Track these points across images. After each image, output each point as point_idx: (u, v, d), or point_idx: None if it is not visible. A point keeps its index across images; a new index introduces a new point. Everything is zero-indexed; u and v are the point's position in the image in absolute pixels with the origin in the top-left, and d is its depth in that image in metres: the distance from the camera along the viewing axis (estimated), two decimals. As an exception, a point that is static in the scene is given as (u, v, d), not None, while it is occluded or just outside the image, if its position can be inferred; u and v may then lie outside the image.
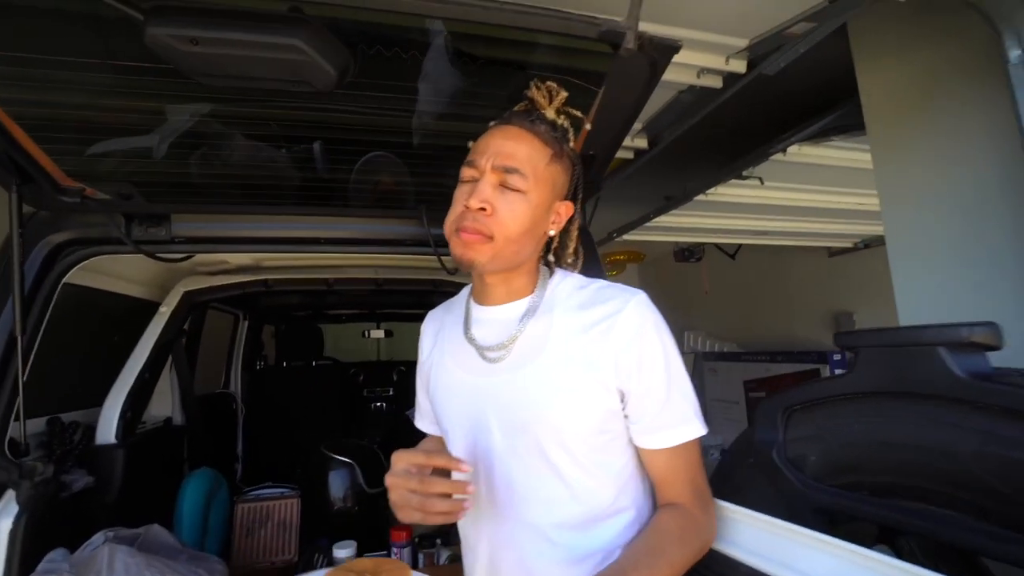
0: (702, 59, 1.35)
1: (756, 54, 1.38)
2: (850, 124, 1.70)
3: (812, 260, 3.97)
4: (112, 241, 1.18)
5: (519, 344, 0.74)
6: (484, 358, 0.77)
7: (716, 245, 3.93)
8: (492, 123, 0.81)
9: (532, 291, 0.79)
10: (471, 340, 0.79)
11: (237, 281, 1.74)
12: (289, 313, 2.78)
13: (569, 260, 0.83)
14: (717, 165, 2.19)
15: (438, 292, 2.04)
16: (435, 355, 0.87)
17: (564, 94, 0.80)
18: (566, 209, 0.79)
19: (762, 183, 2.32)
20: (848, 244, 3.69)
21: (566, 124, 0.78)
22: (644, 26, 0.85)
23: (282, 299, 2.22)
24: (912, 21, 1.14)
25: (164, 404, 1.88)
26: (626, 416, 0.71)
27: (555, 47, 0.99)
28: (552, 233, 0.78)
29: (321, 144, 1.07)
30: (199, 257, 1.52)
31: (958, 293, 1.12)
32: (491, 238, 0.70)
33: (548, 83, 0.80)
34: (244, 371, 2.43)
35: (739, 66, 1.40)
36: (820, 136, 1.85)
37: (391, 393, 3.09)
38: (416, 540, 1.64)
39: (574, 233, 0.82)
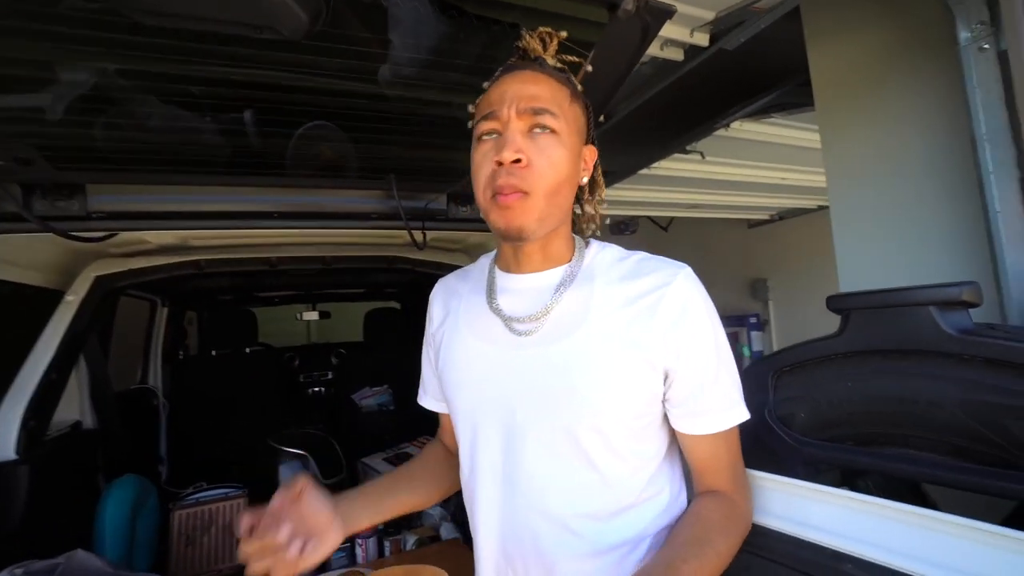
0: (668, 30, 1.34)
1: (719, 28, 1.41)
2: (791, 102, 1.81)
3: (734, 231, 4.28)
4: (6, 217, 0.97)
5: (554, 316, 0.68)
6: (511, 330, 0.69)
7: (650, 218, 4.10)
8: (485, 84, 0.73)
9: (569, 258, 0.72)
10: (496, 310, 0.71)
11: (163, 263, 1.52)
12: (217, 297, 2.51)
13: (600, 208, 0.76)
14: (662, 139, 2.24)
15: (392, 269, 1.93)
16: (448, 325, 0.78)
17: (562, 35, 0.72)
18: (591, 153, 0.72)
19: (703, 157, 2.42)
20: (765, 216, 4.01)
21: (567, 69, 0.72)
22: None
23: (214, 282, 1.99)
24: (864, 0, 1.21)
25: (71, 406, 1.63)
26: (666, 399, 0.66)
27: (545, 12, 0.94)
28: (584, 181, 0.72)
29: (279, 106, 0.94)
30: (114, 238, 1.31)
31: (891, 260, 1.23)
32: (532, 194, 0.63)
33: (541, 29, 0.72)
34: (165, 363, 2.17)
35: (702, 39, 1.41)
36: (761, 113, 1.95)
37: (330, 377, 2.94)
38: (381, 528, 1.58)
39: (600, 180, 0.76)
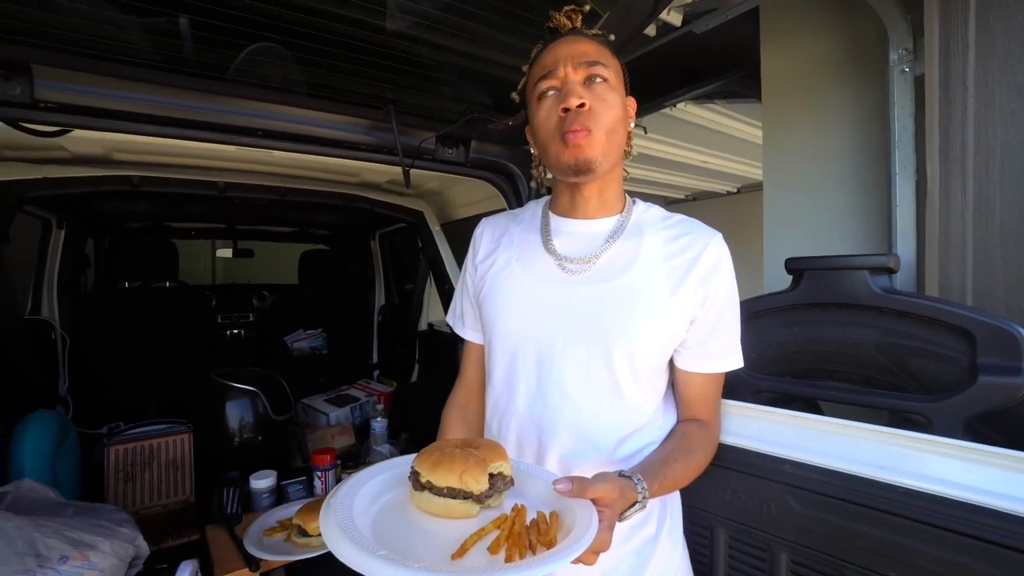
0: (653, 5, 1.43)
1: (692, 11, 1.53)
2: (733, 91, 2.01)
3: (652, 207, 4.63)
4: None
5: (604, 260, 0.77)
6: (563, 268, 0.78)
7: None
8: (525, 68, 0.80)
9: (620, 209, 0.81)
10: (552, 250, 0.79)
11: (87, 175, 1.33)
12: (133, 223, 2.20)
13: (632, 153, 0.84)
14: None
15: (349, 208, 1.87)
16: (498, 259, 0.84)
17: (585, 8, 0.80)
18: (633, 104, 0.81)
19: (645, 132, 2.59)
20: (682, 196, 4.39)
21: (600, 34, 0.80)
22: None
23: (140, 204, 1.76)
24: (818, 9, 1.39)
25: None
26: (680, 342, 0.79)
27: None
28: (632, 127, 0.80)
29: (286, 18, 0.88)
30: (10, 136, 1.12)
31: (810, 235, 1.49)
32: (594, 131, 0.71)
33: (567, 8, 0.79)
34: (62, 294, 1.91)
35: (676, 19, 1.53)
36: (706, 98, 2.14)
37: (251, 319, 2.77)
38: (339, 463, 1.60)
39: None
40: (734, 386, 1.01)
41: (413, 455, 0.68)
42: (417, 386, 2.19)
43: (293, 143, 1.17)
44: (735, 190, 4.06)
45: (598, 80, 0.73)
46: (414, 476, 0.65)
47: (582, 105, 0.70)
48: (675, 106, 2.25)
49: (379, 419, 1.86)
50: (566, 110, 0.71)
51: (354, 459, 1.81)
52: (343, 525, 0.57)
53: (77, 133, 1.10)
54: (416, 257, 2.33)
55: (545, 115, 0.74)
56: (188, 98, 1.02)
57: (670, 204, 4.53)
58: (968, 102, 1.01)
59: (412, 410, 1.98)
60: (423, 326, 2.27)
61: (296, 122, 1.14)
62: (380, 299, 2.76)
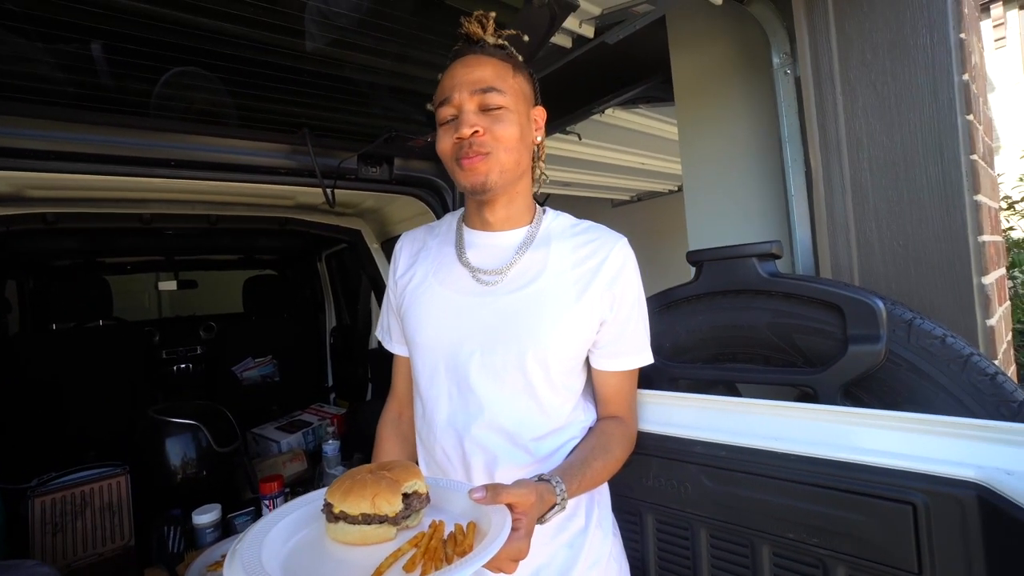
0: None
1: (603, 23, 1.61)
2: (655, 96, 2.11)
3: (600, 210, 4.75)
4: None
5: (516, 269, 0.80)
6: (477, 280, 0.81)
7: (530, 193, 4.35)
8: (440, 75, 0.82)
9: (530, 221, 0.85)
10: (466, 263, 0.82)
11: (-3, 215, 1.28)
12: (52, 262, 2.10)
13: (543, 166, 0.87)
14: (550, 117, 2.42)
15: (284, 232, 1.86)
16: (416, 273, 0.87)
17: (492, 14, 0.82)
18: (541, 114, 0.84)
19: (579, 139, 2.68)
20: (627, 197, 4.53)
21: (507, 44, 0.82)
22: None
23: (60, 242, 1.69)
24: (715, 18, 1.49)
25: None
26: (592, 343, 0.83)
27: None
28: (539, 139, 0.84)
29: (195, 48, 0.89)
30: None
31: (725, 226, 1.58)
32: (491, 154, 0.74)
33: (477, 13, 0.81)
34: (-20, 340, 1.81)
35: (588, 31, 1.61)
36: (631, 103, 2.24)
37: (199, 352, 2.69)
38: (287, 491, 1.58)
39: (543, 141, 0.87)
40: (652, 376, 1.07)
41: (325, 489, 0.67)
42: (371, 405, 2.18)
43: (211, 172, 1.17)
44: (676, 188, 4.22)
45: (493, 107, 0.76)
46: (327, 508, 0.64)
47: (476, 132, 0.74)
48: (603, 112, 2.35)
49: (331, 442, 1.85)
50: (460, 138, 0.75)
51: (306, 485, 1.78)
52: (250, 569, 0.55)
53: (-21, 174, 1.07)
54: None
55: (445, 141, 0.78)
56: (97, 132, 1.01)
57: (616, 206, 4.66)
58: (837, 99, 1.12)
59: (366, 430, 1.97)
60: (372, 344, 2.27)
61: (212, 151, 1.14)
62: (331, 320, 2.74)
